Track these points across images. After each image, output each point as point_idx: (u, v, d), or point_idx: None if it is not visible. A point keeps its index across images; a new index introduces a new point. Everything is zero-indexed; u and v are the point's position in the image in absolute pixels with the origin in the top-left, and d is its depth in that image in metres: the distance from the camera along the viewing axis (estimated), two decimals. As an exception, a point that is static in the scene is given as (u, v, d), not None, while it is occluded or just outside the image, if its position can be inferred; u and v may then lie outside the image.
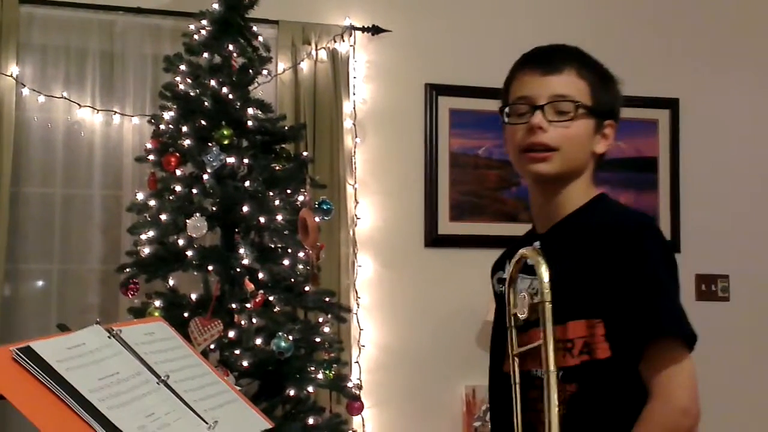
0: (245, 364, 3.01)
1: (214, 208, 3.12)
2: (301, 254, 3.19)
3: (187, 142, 3.13)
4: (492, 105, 4.32)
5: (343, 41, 4.07)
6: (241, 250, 3.07)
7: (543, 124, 1.63)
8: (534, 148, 1.64)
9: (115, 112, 3.82)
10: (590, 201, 1.68)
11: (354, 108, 4.10)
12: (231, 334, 3.02)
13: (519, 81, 1.71)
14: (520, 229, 4.60)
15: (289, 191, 3.25)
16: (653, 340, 1.51)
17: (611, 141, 1.69)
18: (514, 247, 1.77)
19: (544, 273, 1.49)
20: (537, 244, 1.67)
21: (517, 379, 1.57)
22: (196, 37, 3.30)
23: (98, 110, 3.82)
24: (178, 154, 3.15)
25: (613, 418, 1.54)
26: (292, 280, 3.20)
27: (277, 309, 3.17)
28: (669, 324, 1.52)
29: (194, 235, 3.04)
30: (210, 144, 3.11)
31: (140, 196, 3.23)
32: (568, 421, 1.49)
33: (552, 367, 1.47)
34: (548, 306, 1.48)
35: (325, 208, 3.23)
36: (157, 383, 1.33)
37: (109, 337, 1.34)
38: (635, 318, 1.51)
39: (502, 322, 1.70)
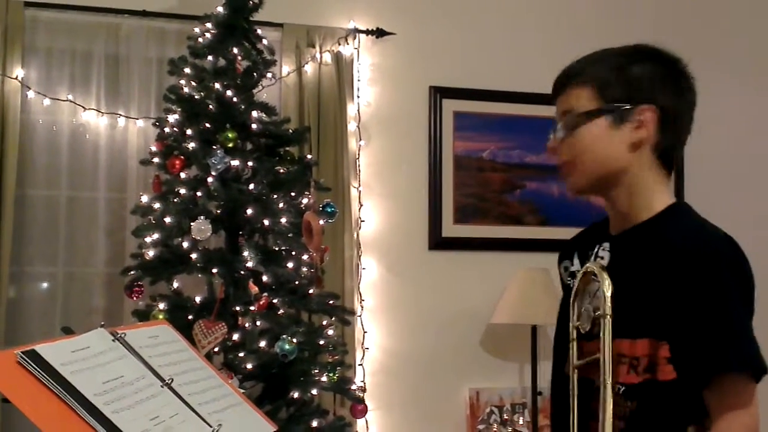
0: (249, 366, 3.01)
1: (218, 211, 3.12)
2: (305, 257, 3.19)
3: (191, 145, 3.14)
4: (496, 108, 4.38)
5: (348, 44, 4.08)
6: (246, 253, 3.07)
7: (553, 145, 1.64)
8: (559, 169, 1.66)
9: (120, 114, 3.83)
10: (665, 210, 1.60)
11: (358, 111, 4.10)
12: (235, 336, 3.03)
13: None
14: (524, 231, 4.63)
15: (293, 194, 3.26)
16: (720, 374, 1.46)
17: (650, 124, 1.57)
18: (583, 235, 1.75)
19: (607, 289, 1.48)
20: (606, 245, 1.63)
21: (575, 391, 1.54)
22: (200, 40, 3.30)
23: (103, 113, 3.83)
24: (182, 157, 3.15)
25: None
26: (296, 282, 3.20)
27: (281, 312, 3.18)
28: (740, 359, 1.46)
29: (198, 238, 3.04)
30: (214, 147, 3.12)
31: (145, 199, 3.23)
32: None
33: (608, 380, 1.46)
34: (608, 320, 1.47)
35: (329, 210, 3.23)
36: (162, 386, 1.33)
37: (113, 341, 1.34)
38: (705, 348, 1.46)
39: (562, 323, 1.67)
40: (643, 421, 1.47)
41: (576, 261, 1.72)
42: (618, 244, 1.61)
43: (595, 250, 1.65)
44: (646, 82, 1.60)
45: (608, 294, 1.47)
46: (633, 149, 1.58)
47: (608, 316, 1.46)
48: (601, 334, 1.47)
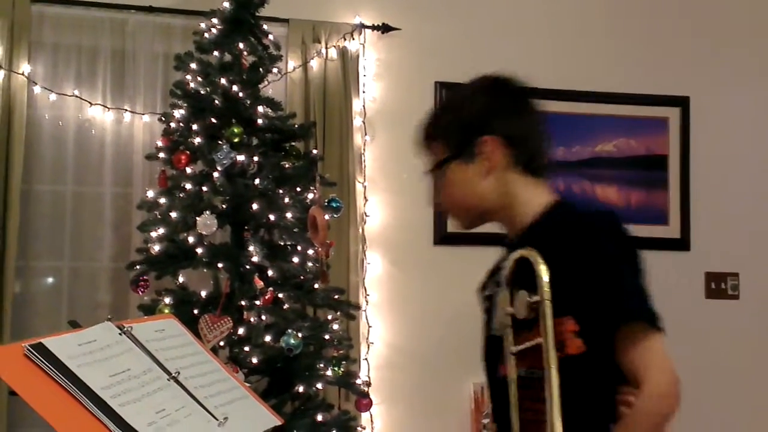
0: (254, 361, 3.02)
1: (224, 206, 3.13)
2: (310, 252, 3.20)
3: (197, 140, 3.14)
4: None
5: (353, 39, 4.08)
6: (251, 248, 3.08)
7: (437, 200, 1.85)
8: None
9: (126, 110, 3.84)
10: (548, 208, 1.74)
11: (364, 106, 4.10)
12: (240, 331, 3.04)
13: None
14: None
15: (298, 189, 3.26)
16: (618, 328, 1.55)
17: (494, 152, 1.72)
18: (497, 265, 1.84)
19: (543, 272, 1.52)
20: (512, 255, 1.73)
21: (514, 376, 1.59)
22: (206, 35, 3.31)
23: (109, 108, 3.84)
24: (188, 152, 3.16)
25: (595, 407, 1.58)
26: (302, 277, 3.20)
27: (286, 306, 3.18)
28: (630, 309, 1.56)
29: (204, 233, 3.05)
30: (220, 142, 3.12)
31: (150, 194, 3.24)
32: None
33: (553, 363, 1.49)
34: (548, 304, 1.50)
35: (334, 205, 3.23)
36: (168, 380, 1.34)
37: (120, 334, 1.35)
38: (600, 311, 1.55)
39: (489, 336, 1.79)
40: (567, 397, 1.49)
41: (490, 285, 1.84)
42: (516, 247, 1.70)
43: (501, 264, 1.77)
44: (480, 118, 1.75)
45: (545, 278, 1.52)
46: (486, 176, 1.75)
47: (547, 301, 1.51)
48: (541, 318, 1.52)
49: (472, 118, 1.76)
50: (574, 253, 1.58)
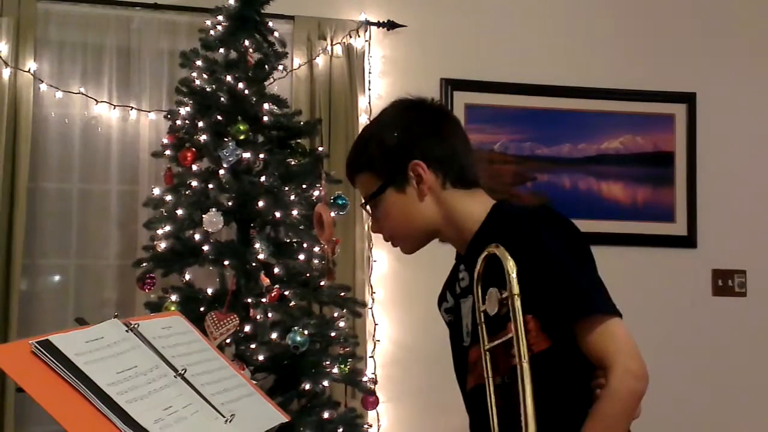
0: (261, 358, 3.02)
1: (230, 203, 3.13)
2: (316, 249, 3.19)
3: (203, 138, 3.14)
4: (507, 100, 4.37)
5: (359, 36, 4.08)
6: (257, 245, 3.08)
7: (375, 230, 1.84)
8: None
9: (132, 107, 3.85)
10: (486, 216, 1.74)
11: (369, 103, 4.09)
12: (247, 328, 3.04)
13: None
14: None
15: (304, 186, 3.26)
16: (575, 322, 1.56)
17: (424, 174, 1.72)
18: (449, 278, 1.87)
19: (512, 267, 1.52)
20: (462, 266, 1.76)
21: (491, 373, 1.59)
22: (212, 32, 3.30)
23: (115, 106, 3.84)
24: (194, 150, 3.16)
25: (570, 398, 1.59)
26: (308, 274, 3.20)
27: (292, 303, 3.18)
28: (581, 304, 1.57)
29: (210, 230, 3.05)
30: (226, 139, 3.12)
31: (157, 191, 3.24)
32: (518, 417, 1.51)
33: (525, 357, 1.49)
34: (517, 299, 1.51)
35: (340, 203, 3.23)
36: (175, 377, 1.34)
37: (127, 331, 1.35)
38: (554, 307, 1.57)
39: (455, 350, 1.81)
40: (540, 394, 1.49)
41: (449, 298, 1.85)
42: (468, 261, 1.72)
43: (458, 278, 1.78)
44: (402, 144, 1.75)
45: (513, 273, 1.51)
46: (422, 199, 1.74)
47: (516, 296, 1.51)
48: (512, 312, 1.51)
49: (396, 145, 1.75)
50: (520, 251, 1.57)
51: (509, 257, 1.53)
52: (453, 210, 1.75)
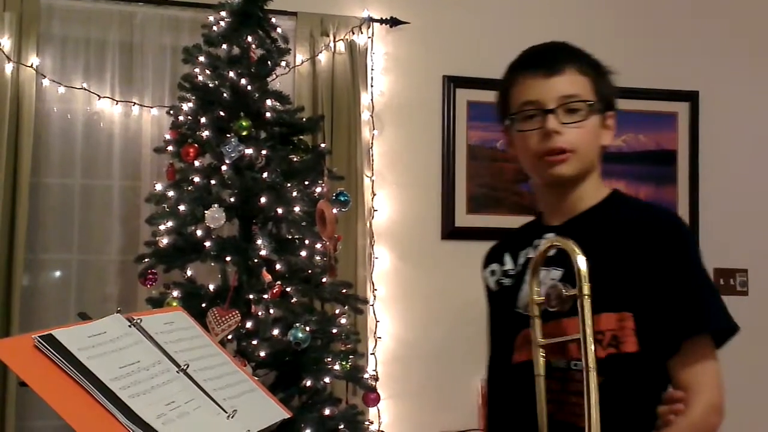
0: (262, 354, 3.02)
1: (232, 199, 3.13)
2: (318, 246, 3.19)
3: (205, 133, 3.14)
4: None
5: (362, 33, 4.07)
6: (259, 241, 3.08)
7: (558, 128, 1.62)
8: (552, 153, 1.64)
9: (134, 103, 3.85)
10: (608, 197, 1.69)
11: (372, 100, 4.10)
12: (248, 324, 3.03)
13: (521, 85, 1.70)
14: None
15: (306, 183, 3.26)
16: (694, 335, 1.52)
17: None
18: (512, 238, 1.79)
19: (582, 263, 1.44)
20: (551, 235, 1.64)
21: (542, 371, 1.52)
22: (215, 28, 3.30)
23: (117, 101, 3.84)
24: (196, 145, 3.16)
25: (638, 410, 1.54)
26: (310, 271, 3.20)
27: (294, 300, 3.18)
28: (718, 318, 1.54)
29: (212, 226, 3.05)
30: (228, 135, 3.12)
31: (159, 187, 3.24)
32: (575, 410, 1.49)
33: (591, 363, 1.41)
34: (587, 299, 1.43)
35: (342, 199, 3.23)
36: (177, 372, 1.34)
37: (129, 326, 1.35)
38: (678, 313, 1.51)
39: (503, 315, 1.71)
40: (609, 394, 1.45)
41: (508, 260, 1.76)
42: (564, 232, 1.61)
43: (534, 244, 1.69)
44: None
45: (584, 268, 1.44)
46: (601, 150, 1.71)
47: (586, 296, 1.43)
48: (580, 312, 1.44)
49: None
50: (653, 247, 1.53)
51: (580, 253, 1.45)
52: (597, 176, 1.72)
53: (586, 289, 1.43)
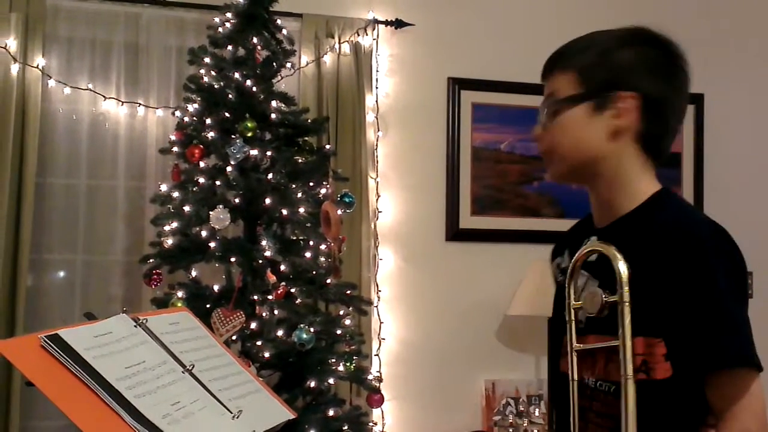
0: (267, 355, 3.02)
1: (237, 200, 3.13)
2: (323, 247, 3.19)
3: (210, 135, 3.15)
4: (514, 99, 4.37)
5: (367, 35, 4.08)
6: (264, 242, 3.08)
7: (536, 134, 1.59)
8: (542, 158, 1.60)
9: (140, 104, 3.85)
10: (649, 199, 1.53)
11: (376, 101, 4.10)
12: (253, 325, 3.04)
13: None
14: (541, 223, 4.63)
15: (311, 184, 3.26)
16: (715, 371, 1.42)
17: (631, 112, 1.50)
18: (573, 231, 1.69)
19: (623, 269, 1.37)
20: (594, 239, 1.55)
21: (575, 376, 1.47)
22: (220, 29, 3.31)
23: (123, 102, 3.85)
24: (201, 146, 3.16)
25: None
26: (314, 272, 3.20)
27: (298, 301, 3.19)
28: (732, 355, 1.41)
29: (217, 227, 3.05)
30: (233, 136, 3.12)
31: (164, 188, 3.24)
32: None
33: (630, 372, 1.35)
34: (627, 307, 1.36)
35: (347, 201, 3.23)
36: (183, 372, 1.34)
37: (135, 326, 1.35)
38: (697, 345, 1.40)
39: (561, 317, 1.58)
40: (639, 421, 1.38)
41: (567, 257, 1.65)
42: (606, 236, 1.52)
43: (584, 244, 1.57)
44: (631, 68, 1.54)
45: (625, 276, 1.36)
46: (612, 138, 1.52)
47: (626, 303, 1.35)
48: (620, 321, 1.37)
49: (620, 64, 1.53)
50: (676, 267, 1.40)
51: (620, 258, 1.37)
52: (626, 169, 1.53)
53: (626, 296, 1.36)
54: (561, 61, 1.59)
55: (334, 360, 3.16)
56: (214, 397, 1.35)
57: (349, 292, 3.29)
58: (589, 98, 1.52)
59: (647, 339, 1.42)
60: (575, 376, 1.47)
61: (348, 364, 3.19)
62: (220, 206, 3.05)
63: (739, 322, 1.43)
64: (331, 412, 3.14)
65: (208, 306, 3.05)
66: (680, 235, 1.44)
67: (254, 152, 3.13)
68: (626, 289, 1.36)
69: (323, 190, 3.25)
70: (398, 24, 4.15)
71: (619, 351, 1.37)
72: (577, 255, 1.48)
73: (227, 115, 3.20)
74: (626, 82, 1.51)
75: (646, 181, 1.56)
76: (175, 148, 3.24)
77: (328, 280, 3.22)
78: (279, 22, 3.40)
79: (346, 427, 3.17)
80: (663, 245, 1.43)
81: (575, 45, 1.60)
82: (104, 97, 3.82)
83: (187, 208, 3.11)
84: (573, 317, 1.48)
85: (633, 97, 1.50)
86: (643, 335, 1.42)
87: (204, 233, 3.10)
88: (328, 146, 3.51)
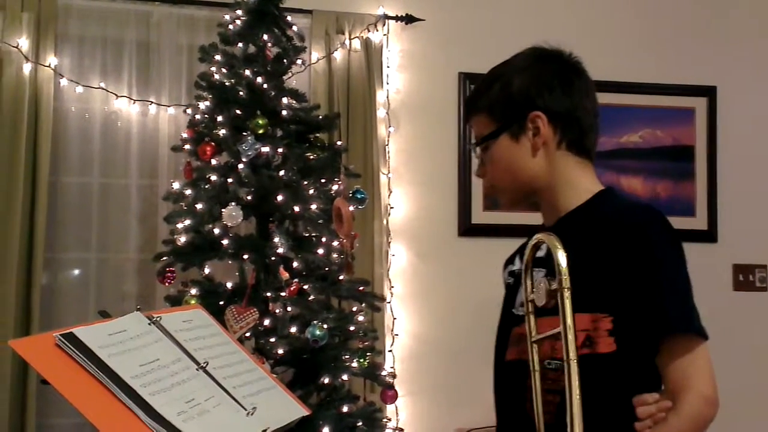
0: (280, 352, 3.03)
1: (249, 197, 3.14)
2: (335, 243, 3.20)
3: (222, 132, 3.15)
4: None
5: (377, 30, 4.07)
6: (276, 239, 3.08)
7: (479, 174, 1.77)
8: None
9: (152, 102, 3.86)
10: (595, 195, 1.67)
11: (387, 97, 4.10)
12: (266, 322, 3.04)
13: None
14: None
15: (323, 180, 3.26)
16: (665, 337, 1.52)
17: (545, 127, 1.65)
18: (524, 244, 1.76)
19: (562, 258, 1.41)
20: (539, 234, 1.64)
21: (536, 366, 1.53)
22: (231, 27, 3.31)
23: (135, 100, 3.86)
24: (213, 144, 3.17)
25: (614, 410, 1.52)
26: (327, 268, 3.20)
27: (311, 297, 3.19)
28: (678, 322, 1.52)
29: (230, 224, 3.06)
30: (245, 133, 3.13)
31: (176, 186, 3.25)
32: (561, 410, 1.44)
33: (573, 355, 1.40)
34: (567, 293, 1.41)
35: (359, 197, 3.23)
36: (197, 370, 1.35)
37: (149, 324, 1.36)
38: (645, 316, 1.51)
39: (503, 314, 1.78)
40: (584, 395, 1.40)
41: (517, 261, 1.78)
42: (553, 231, 1.58)
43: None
44: (530, 91, 1.68)
45: (563, 264, 1.40)
46: (537, 154, 1.67)
47: (566, 290, 1.41)
48: (560, 307, 1.41)
49: (520, 91, 1.67)
50: (624, 249, 1.52)
51: (560, 247, 1.42)
52: (560, 174, 1.67)
53: (565, 283, 1.40)
54: (472, 106, 1.75)
55: (347, 356, 3.16)
56: (229, 394, 1.36)
57: (361, 288, 3.29)
58: (504, 130, 1.68)
59: (593, 315, 1.52)
60: (537, 367, 1.54)
61: (361, 360, 3.19)
62: (233, 203, 3.06)
63: (686, 288, 1.56)
64: (345, 409, 3.14)
65: (221, 303, 3.06)
66: (629, 216, 1.59)
67: (266, 149, 3.13)
68: (566, 276, 1.41)
69: (335, 187, 3.25)
70: (408, 19, 4.15)
71: (562, 335, 1.42)
72: (526, 250, 1.56)
73: (238, 112, 3.21)
74: (531, 104, 1.66)
75: (588, 181, 1.70)
76: (187, 146, 3.25)
77: (341, 277, 3.22)
78: (289, 18, 3.40)
79: (360, 424, 3.18)
80: (607, 229, 1.56)
81: (481, 86, 1.76)
82: (116, 95, 3.83)
83: (199, 206, 3.12)
84: (530, 309, 1.54)
85: (539, 115, 1.65)
86: (590, 311, 1.52)
87: (217, 230, 3.11)
88: (339, 142, 3.51)
